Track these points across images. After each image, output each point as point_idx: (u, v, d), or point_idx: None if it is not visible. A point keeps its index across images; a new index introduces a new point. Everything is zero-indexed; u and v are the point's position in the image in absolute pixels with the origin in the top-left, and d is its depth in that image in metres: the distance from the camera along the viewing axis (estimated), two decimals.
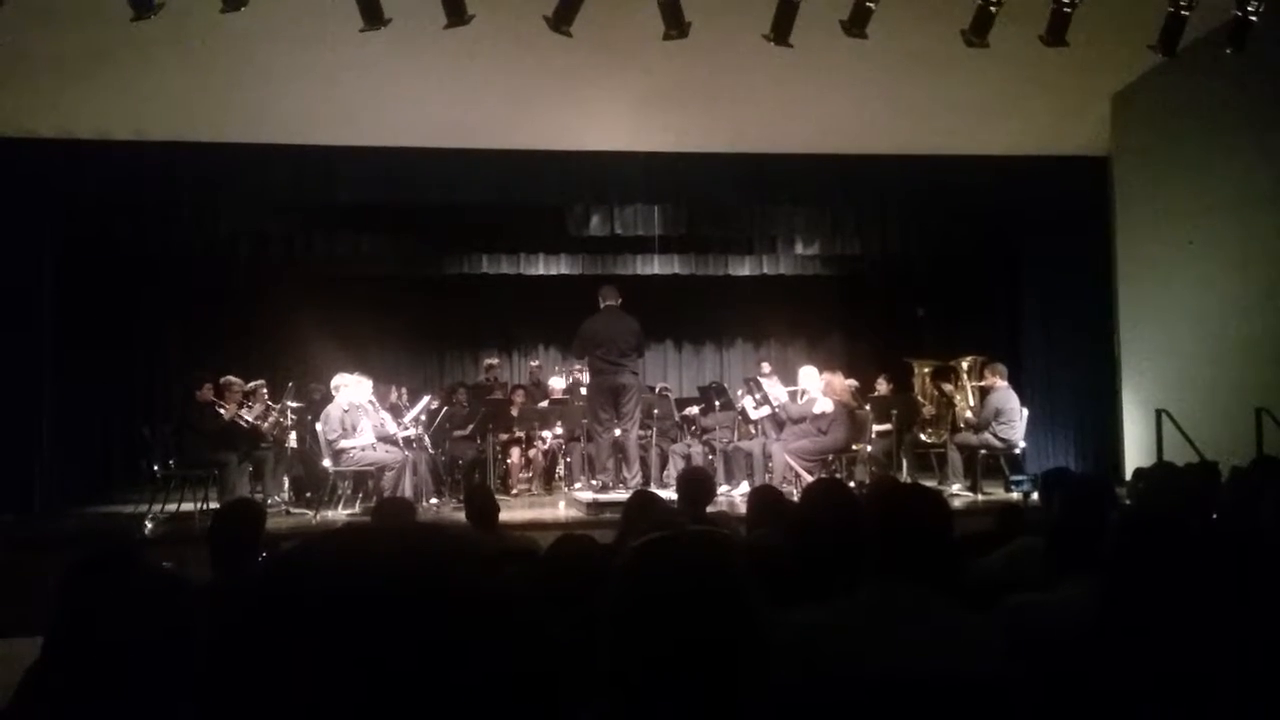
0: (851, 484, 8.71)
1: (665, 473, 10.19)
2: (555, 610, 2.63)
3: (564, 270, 13.00)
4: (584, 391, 10.75)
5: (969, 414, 10.32)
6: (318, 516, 8.81)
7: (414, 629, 0.77)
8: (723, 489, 9.34)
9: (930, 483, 9.58)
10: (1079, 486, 3.96)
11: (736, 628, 1.52)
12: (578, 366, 11.68)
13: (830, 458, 9.53)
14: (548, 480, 11.02)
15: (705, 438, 10.67)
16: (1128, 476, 7.39)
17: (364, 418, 9.01)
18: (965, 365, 10.67)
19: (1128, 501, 5.72)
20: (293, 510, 9.35)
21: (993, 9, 6.83)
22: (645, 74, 8.69)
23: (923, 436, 10.74)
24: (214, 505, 8.35)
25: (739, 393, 10.71)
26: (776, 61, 7.36)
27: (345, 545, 0.87)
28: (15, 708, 2.49)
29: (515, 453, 10.78)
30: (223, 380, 9.54)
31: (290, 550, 0.86)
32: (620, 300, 9.42)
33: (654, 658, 1.48)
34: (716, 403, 10.58)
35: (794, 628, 2.24)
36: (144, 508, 8.84)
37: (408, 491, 8.67)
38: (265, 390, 10.00)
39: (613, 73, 8.76)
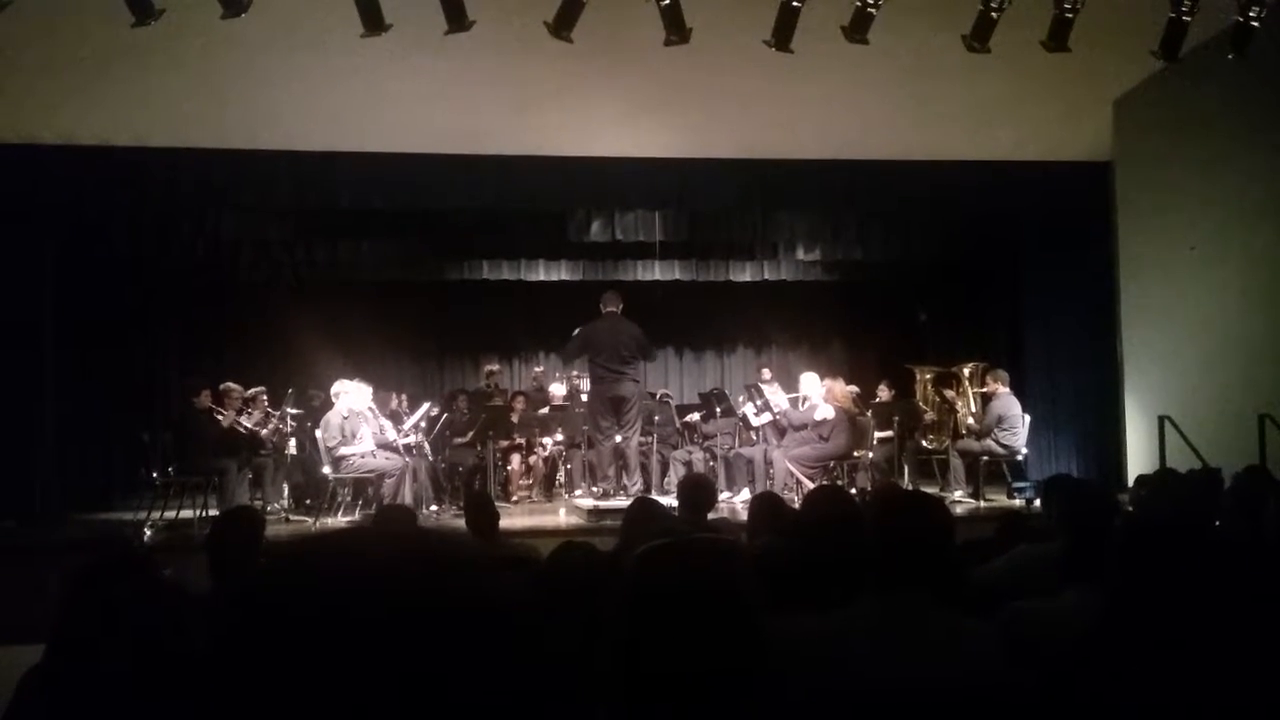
0: (853, 491, 8.69)
1: (666, 479, 10.18)
2: (555, 618, 2.62)
3: (564, 276, 12.99)
4: (584, 398, 10.73)
5: (971, 420, 10.32)
6: (317, 524, 8.80)
7: (413, 635, 0.76)
8: (724, 496, 9.31)
9: (932, 489, 9.58)
10: (1077, 494, 3.96)
11: (739, 634, 1.51)
12: (575, 373, 11.67)
13: (832, 464, 9.52)
14: (548, 487, 11.01)
15: (706, 444, 10.66)
16: (1130, 483, 7.38)
17: (364, 424, 8.99)
18: (967, 371, 10.68)
19: (1130, 508, 5.71)
20: (292, 517, 9.34)
21: (994, 14, 6.83)
22: (646, 80, 8.69)
23: (924, 443, 10.74)
24: (213, 512, 8.34)
25: (740, 399, 10.70)
26: (778, 67, 7.35)
27: (344, 549, 0.86)
28: (14, 711, 2.48)
29: (515, 459, 10.77)
30: (222, 387, 9.55)
31: (288, 553, 0.85)
32: (621, 307, 9.37)
33: (656, 663, 1.47)
34: (717, 409, 10.57)
35: (795, 635, 2.23)
36: (144, 514, 8.83)
37: (408, 499, 8.67)
38: (265, 397, 10.00)
39: (614, 78, 8.76)
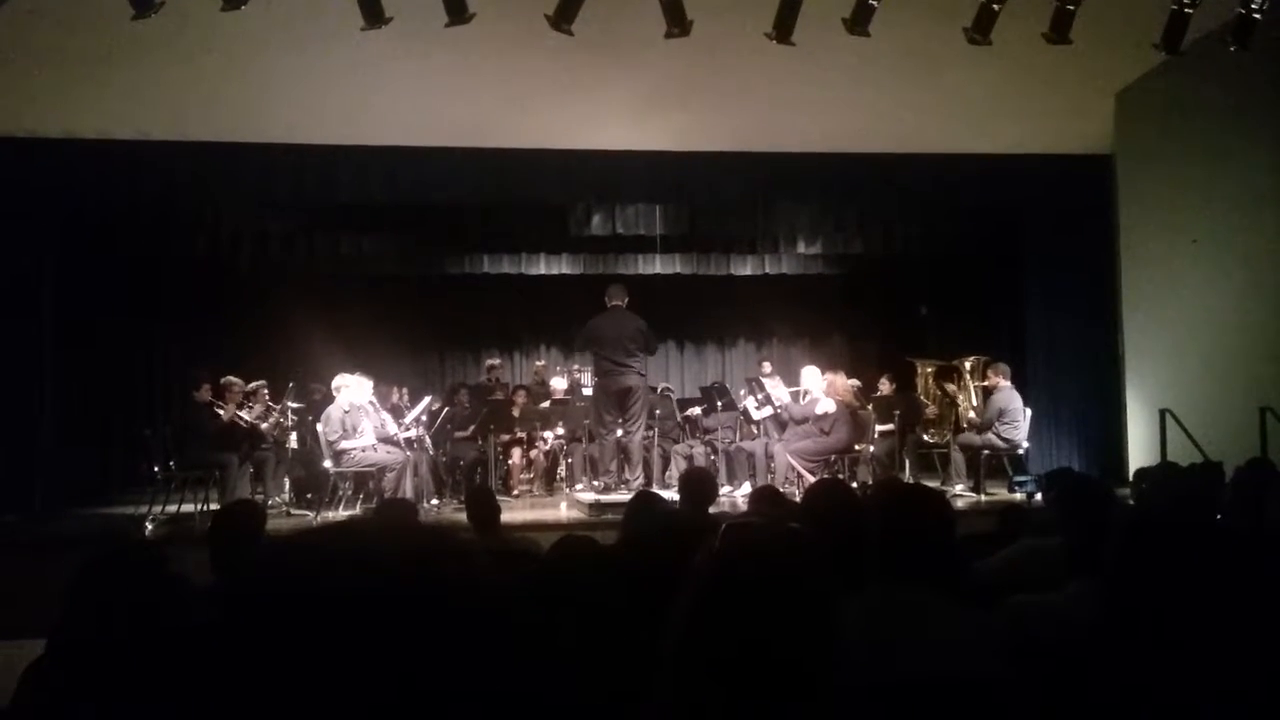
0: (854, 484, 8.70)
1: (667, 473, 10.17)
2: (556, 612, 2.62)
3: (565, 270, 12.98)
4: (585, 392, 10.72)
5: (972, 414, 10.31)
6: (318, 517, 8.79)
7: (412, 628, 0.75)
8: (725, 489, 9.31)
9: (933, 483, 9.57)
10: (1075, 488, 3.95)
11: (817, 626, 1.51)
12: (576, 366, 11.66)
13: (833, 458, 9.51)
14: (549, 481, 11.01)
15: (707, 438, 10.65)
16: (1131, 476, 7.37)
17: (365, 418, 8.99)
18: (968, 365, 10.67)
19: (1131, 502, 5.71)
20: (294, 511, 9.35)
21: (996, 7, 6.82)
22: (647, 73, 8.68)
23: (925, 437, 10.73)
24: (214, 506, 8.34)
25: (741, 393, 10.69)
26: (779, 60, 7.35)
27: (344, 542, 0.85)
28: (16, 706, 2.48)
29: (516, 453, 10.76)
30: (223, 380, 9.54)
31: (285, 545, 0.85)
32: (627, 300, 9.35)
33: (735, 642, 1.47)
34: (719, 403, 10.57)
35: None
36: (145, 509, 8.83)
37: (409, 492, 8.66)
38: (266, 391, 10.00)
39: (614, 71, 8.75)
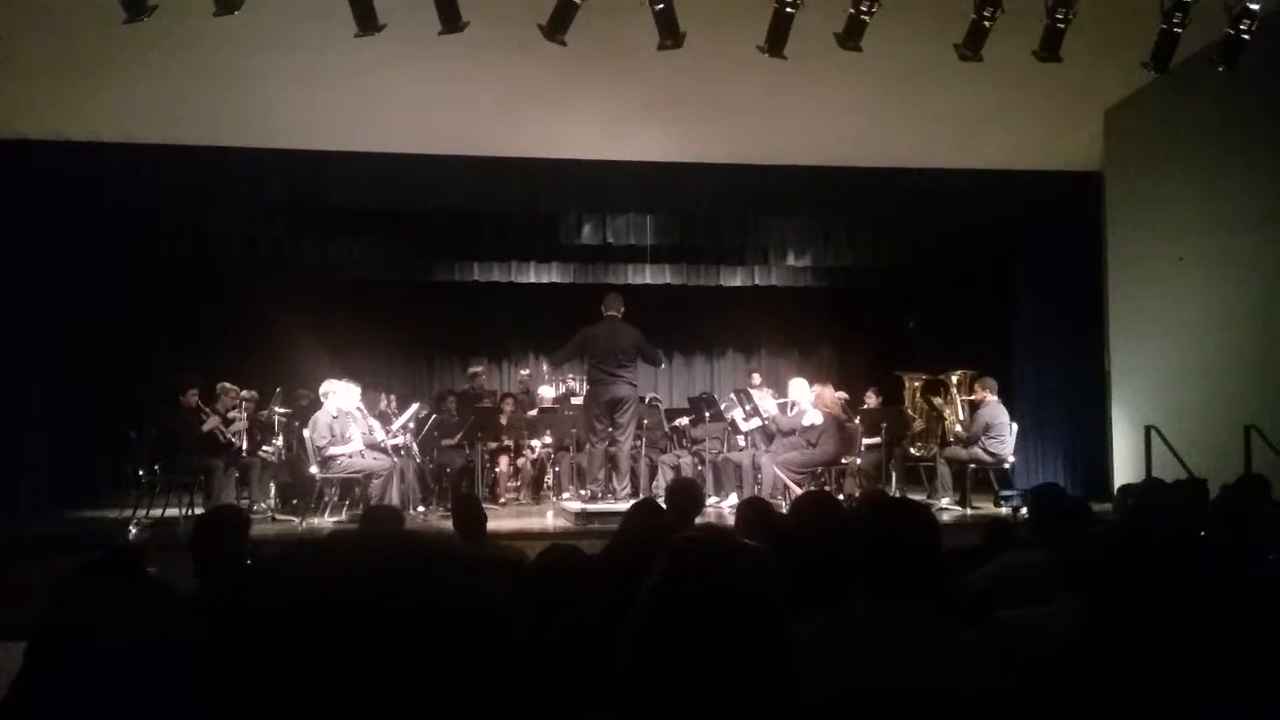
0: (840, 497, 8.71)
1: (654, 483, 10.16)
2: (541, 620, 2.61)
3: (555, 279, 12.98)
4: (575, 401, 10.71)
5: (959, 428, 10.33)
6: (304, 524, 8.77)
7: (399, 635, 0.75)
8: (712, 500, 9.32)
9: (919, 496, 9.59)
10: (1050, 504, 3.98)
11: (766, 639, 1.51)
12: (570, 376, 11.65)
13: (819, 470, 9.52)
14: (536, 490, 11.00)
15: (695, 449, 10.65)
16: (1115, 492, 7.38)
17: (352, 425, 8.96)
18: (955, 379, 10.70)
19: (1114, 516, 5.73)
20: (278, 517, 9.31)
21: (987, 24, 6.85)
22: (639, 84, 8.70)
23: (912, 450, 10.75)
24: (200, 511, 8.30)
25: (728, 404, 10.70)
26: (770, 73, 7.37)
27: (332, 552, 0.85)
28: (9, 706, 2.47)
29: (503, 461, 10.76)
30: (218, 387, 9.54)
31: (276, 556, 0.85)
32: (622, 311, 9.31)
33: (681, 658, 1.47)
34: (706, 414, 10.56)
35: None
36: (129, 512, 8.79)
37: (395, 499, 8.63)
38: (252, 403, 10.00)
39: (606, 82, 8.77)
